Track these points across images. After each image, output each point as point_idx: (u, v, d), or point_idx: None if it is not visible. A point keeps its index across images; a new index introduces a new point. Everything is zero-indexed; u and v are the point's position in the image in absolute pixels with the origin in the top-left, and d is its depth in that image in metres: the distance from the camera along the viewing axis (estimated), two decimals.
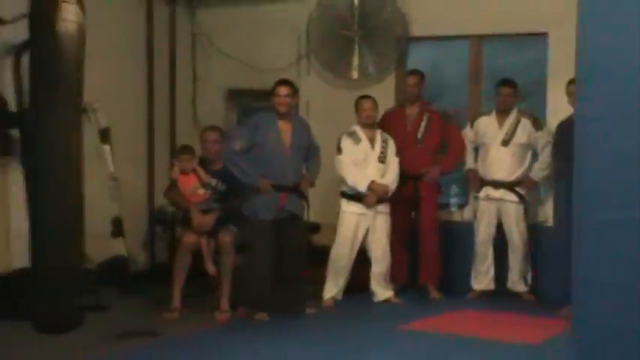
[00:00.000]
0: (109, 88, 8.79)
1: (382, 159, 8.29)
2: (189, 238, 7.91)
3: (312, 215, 8.19)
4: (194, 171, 8.00)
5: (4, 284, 7.74)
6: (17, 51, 7.93)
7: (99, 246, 8.43)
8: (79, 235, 7.46)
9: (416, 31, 9.20)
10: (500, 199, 8.38)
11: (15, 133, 8.01)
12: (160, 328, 7.30)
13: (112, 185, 8.88)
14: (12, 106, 8.04)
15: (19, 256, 7.94)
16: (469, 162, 8.63)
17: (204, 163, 8.12)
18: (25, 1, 7.29)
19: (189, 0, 10.19)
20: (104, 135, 8.87)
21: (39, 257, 7.32)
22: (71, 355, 6.55)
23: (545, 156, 8.23)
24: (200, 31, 10.22)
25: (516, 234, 8.34)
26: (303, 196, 8.00)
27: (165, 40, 10.18)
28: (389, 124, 8.60)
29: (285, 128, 7.91)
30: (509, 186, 8.34)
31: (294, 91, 8.06)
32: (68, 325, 7.16)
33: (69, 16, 7.18)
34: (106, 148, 8.81)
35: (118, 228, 8.94)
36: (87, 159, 7.68)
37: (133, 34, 9.79)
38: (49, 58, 7.25)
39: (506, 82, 8.43)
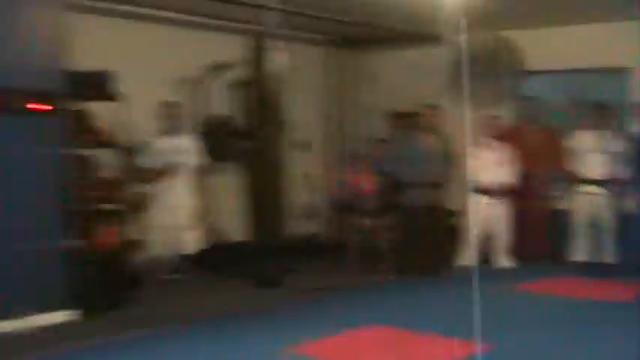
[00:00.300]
0: (303, 113, 9.08)
1: (503, 163, 8.29)
2: (359, 220, 8.12)
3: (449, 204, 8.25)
4: (363, 171, 8.21)
5: (228, 252, 8.10)
6: (241, 85, 8.29)
7: (296, 225, 8.72)
8: (283, 217, 7.76)
9: (530, 66, 9.13)
10: (594, 193, 8.23)
11: (241, 144, 8.31)
12: (338, 285, 7.55)
13: (305, 181, 9.20)
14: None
15: (237, 232, 8.33)
16: (571, 165, 8.49)
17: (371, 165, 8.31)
18: (243, 50, 7.66)
19: (356, 46, 10.35)
20: (303, 146, 9.15)
21: (257, 234, 7.68)
22: (277, 300, 6.91)
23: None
24: (364, 69, 10.37)
25: (607, 219, 8.18)
26: (442, 190, 8.10)
27: (338, 76, 10.36)
28: (509, 137, 8.59)
29: (429, 139, 8.03)
30: (602, 183, 8.19)
31: (436, 112, 8.14)
32: (275, 281, 7.47)
33: (275, 60, 7.52)
34: (304, 155, 9.10)
35: (309, 212, 9.25)
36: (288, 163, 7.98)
37: (316, 72, 10.08)
38: (262, 91, 7.62)
39: (600, 105, 8.28)
